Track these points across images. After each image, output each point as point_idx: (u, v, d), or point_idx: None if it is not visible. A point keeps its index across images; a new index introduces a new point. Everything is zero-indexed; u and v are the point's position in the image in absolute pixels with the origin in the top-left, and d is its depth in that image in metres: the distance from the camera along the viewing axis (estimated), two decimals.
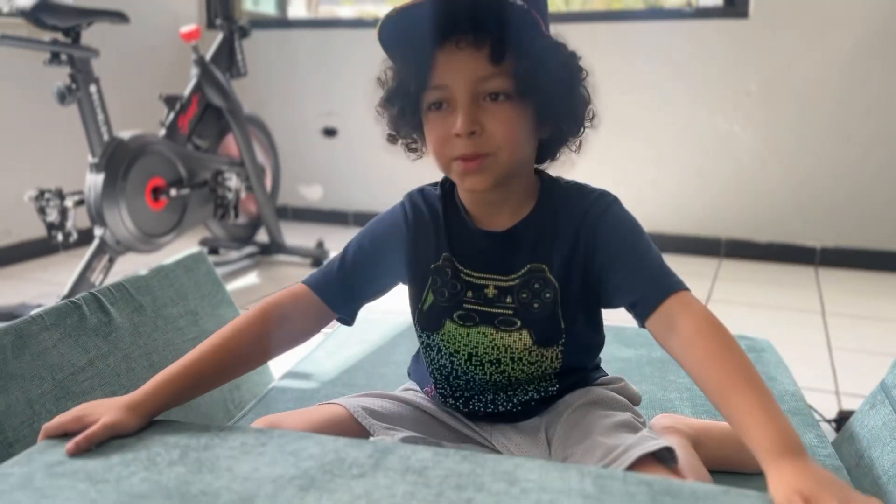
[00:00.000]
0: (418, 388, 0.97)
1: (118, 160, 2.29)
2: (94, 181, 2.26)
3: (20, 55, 2.49)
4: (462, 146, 0.76)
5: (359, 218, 3.60)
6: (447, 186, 0.89)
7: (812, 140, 2.87)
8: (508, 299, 0.84)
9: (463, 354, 0.87)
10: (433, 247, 0.86)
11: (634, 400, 0.92)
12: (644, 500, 0.61)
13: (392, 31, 0.77)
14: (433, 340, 0.89)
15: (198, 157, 2.63)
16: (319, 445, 0.71)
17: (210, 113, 2.76)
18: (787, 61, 2.84)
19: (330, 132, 3.63)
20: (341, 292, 0.87)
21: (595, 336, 0.91)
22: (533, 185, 0.85)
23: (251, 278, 2.78)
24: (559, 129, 0.82)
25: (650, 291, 0.77)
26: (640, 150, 3.06)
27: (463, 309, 0.86)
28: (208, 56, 2.77)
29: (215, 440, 0.73)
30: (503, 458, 0.69)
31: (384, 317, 1.51)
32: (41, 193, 2.21)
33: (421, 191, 0.90)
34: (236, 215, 2.73)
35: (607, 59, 2.82)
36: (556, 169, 0.89)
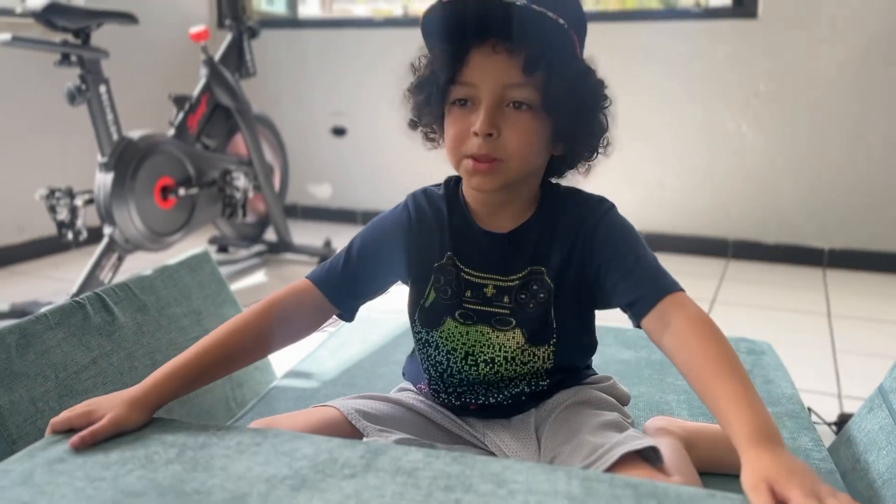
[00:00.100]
0: (412, 386, 0.98)
1: (127, 160, 2.31)
2: (103, 180, 2.29)
3: (32, 56, 2.52)
4: (477, 146, 0.78)
5: (367, 216, 3.62)
6: (451, 186, 0.91)
7: (821, 140, 2.86)
8: (506, 299, 0.87)
9: (460, 352, 0.89)
10: (437, 246, 0.88)
11: (623, 400, 0.95)
12: (629, 502, 0.62)
13: (435, 21, 0.79)
14: (432, 337, 0.90)
15: (206, 157, 2.66)
16: (313, 446, 0.72)
17: (219, 113, 2.78)
18: (796, 61, 2.83)
19: (339, 131, 3.65)
20: (344, 289, 0.88)
21: (587, 338, 0.93)
22: (536, 191, 0.88)
23: (259, 277, 2.80)
24: (572, 150, 0.84)
25: (646, 292, 0.79)
26: (648, 150, 3.05)
27: (463, 308, 0.88)
28: (217, 56, 2.79)
29: (212, 439, 0.74)
30: (492, 459, 0.70)
31: (386, 317, 1.52)
32: (52, 192, 2.24)
33: (424, 191, 0.92)
34: (244, 214, 2.75)
35: (615, 58, 2.82)
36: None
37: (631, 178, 3.05)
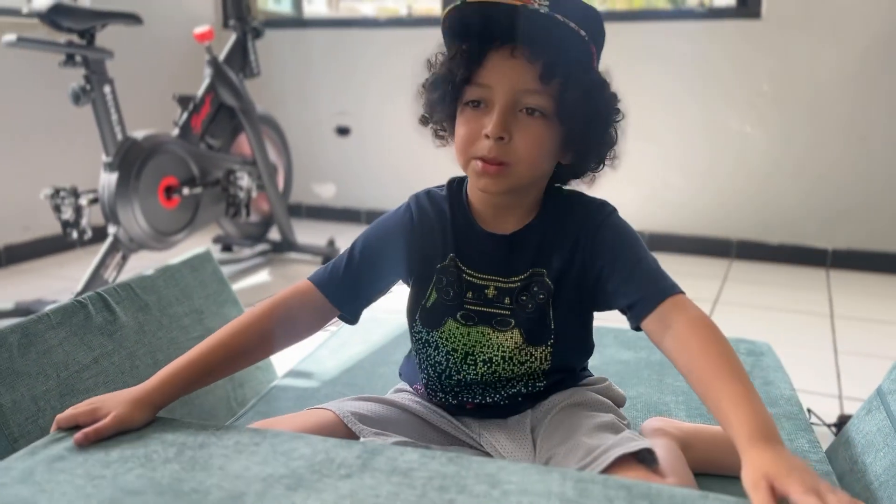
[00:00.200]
0: (408, 387, 0.99)
1: (132, 159, 2.32)
2: (107, 180, 2.30)
3: (37, 56, 2.53)
4: (487, 148, 0.79)
5: (371, 216, 3.63)
6: (454, 187, 0.91)
7: (824, 141, 2.85)
8: (507, 300, 0.87)
9: (460, 353, 0.90)
10: (440, 247, 0.89)
11: (618, 401, 0.95)
12: (622, 503, 0.63)
13: (457, 20, 0.80)
14: (432, 337, 0.91)
15: (210, 157, 2.67)
16: (310, 446, 0.73)
17: (223, 113, 2.79)
18: (800, 62, 2.83)
19: (343, 131, 3.65)
20: (347, 291, 0.89)
21: (584, 339, 0.94)
22: (540, 195, 0.88)
23: (263, 276, 2.81)
24: (580, 160, 0.85)
25: (647, 294, 0.80)
26: (651, 150, 3.05)
27: (464, 309, 0.89)
28: (222, 57, 2.80)
29: (211, 439, 0.75)
30: (488, 460, 0.71)
31: (387, 317, 1.52)
32: (57, 192, 2.26)
33: (427, 192, 0.92)
34: (248, 214, 2.76)
35: (619, 58, 2.82)
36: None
37: (634, 178, 3.05)
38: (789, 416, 1.12)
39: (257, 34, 2.92)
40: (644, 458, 0.75)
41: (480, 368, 0.89)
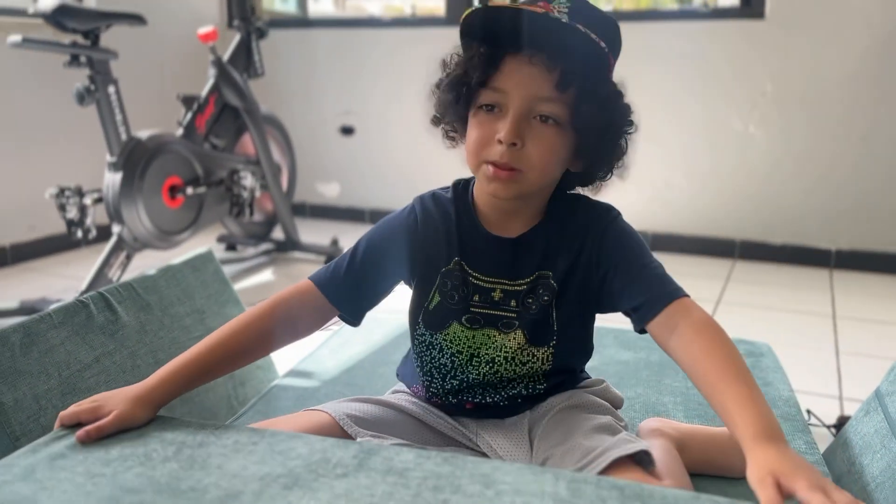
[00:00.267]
0: (406, 388, 0.99)
1: (136, 159, 2.34)
2: (112, 179, 2.31)
3: (42, 57, 2.55)
4: (499, 153, 0.79)
5: (375, 215, 3.64)
6: (459, 189, 0.91)
7: (828, 141, 2.85)
8: (513, 303, 0.88)
9: (465, 355, 0.90)
10: (444, 250, 0.89)
11: (616, 403, 0.96)
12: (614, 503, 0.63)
13: (475, 23, 0.80)
14: (436, 340, 0.91)
15: (214, 156, 2.68)
16: (308, 445, 0.74)
17: (227, 113, 2.80)
18: (803, 62, 2.82)
19: (347, 131, 3.66)
20: (347, 291, 0.89)
21: (585, 340, 0.94)
22: (546, 199, 0.89)
23: (267, 275, 2.82)
24: (590, 169, 0.86)
25: (653, 297, 0.81)
26: (655, 150, 3.05)
27: (470, 312, 0.89)
28: (226, 57, 2.81)
29: (210, 438, 0.76)
30: (483, 460, 0.71)
31: (387, 317, 1.53)
32: (61, 191, 2.27)
33: (433, 194, 0.93)
34: (251, 213, 2.77)
35: (622, 58, 2.82)
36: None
37: (637, 179, 3.03)
38: (787, 417, 1.12)
39: (261, 34, 2.93)
40: (641, 460, 0.76)
41: (483, 369, 0.90)
